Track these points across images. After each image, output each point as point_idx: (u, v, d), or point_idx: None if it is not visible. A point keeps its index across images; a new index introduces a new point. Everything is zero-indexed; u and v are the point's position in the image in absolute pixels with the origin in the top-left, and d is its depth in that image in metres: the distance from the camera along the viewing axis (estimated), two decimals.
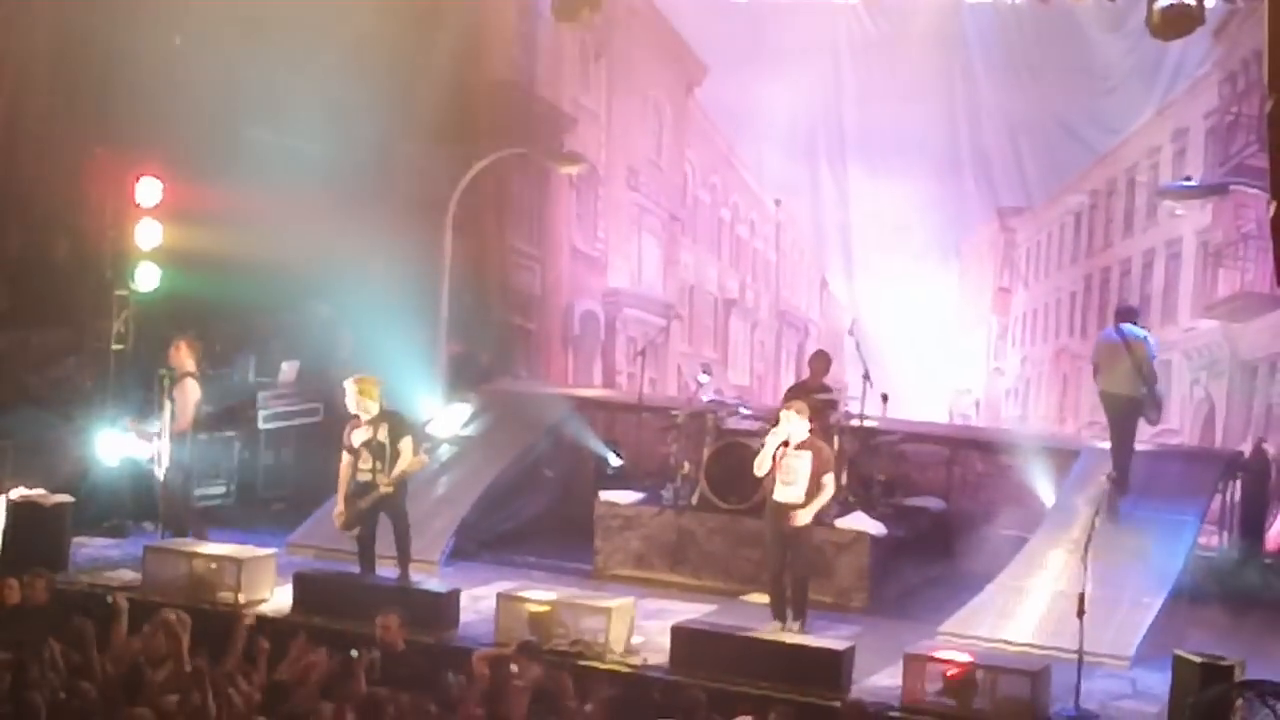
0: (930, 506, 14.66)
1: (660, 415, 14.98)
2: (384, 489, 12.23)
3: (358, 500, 12.30)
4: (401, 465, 12.29)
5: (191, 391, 13.58)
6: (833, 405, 14.03)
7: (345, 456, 12.36)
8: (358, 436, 12.29)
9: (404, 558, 12.49)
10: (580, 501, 14.85)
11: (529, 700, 9.19)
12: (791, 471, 11.87)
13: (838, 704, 10.21)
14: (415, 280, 16.53)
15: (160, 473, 13.56)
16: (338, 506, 12.42)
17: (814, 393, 14.02)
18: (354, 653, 9.54)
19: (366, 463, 12.25)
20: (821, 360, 14.58)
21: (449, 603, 11.93)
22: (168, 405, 13.38)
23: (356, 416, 12.34)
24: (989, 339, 17.33)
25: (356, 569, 12.64)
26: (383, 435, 12.25)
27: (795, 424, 11.88)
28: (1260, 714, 9.75)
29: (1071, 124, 16.58)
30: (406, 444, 12.33)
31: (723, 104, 17.91)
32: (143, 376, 14.74)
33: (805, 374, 14.89)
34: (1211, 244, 16.07)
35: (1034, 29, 16.21)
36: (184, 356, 13.70)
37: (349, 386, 12.35)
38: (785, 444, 11.89)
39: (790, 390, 14.52)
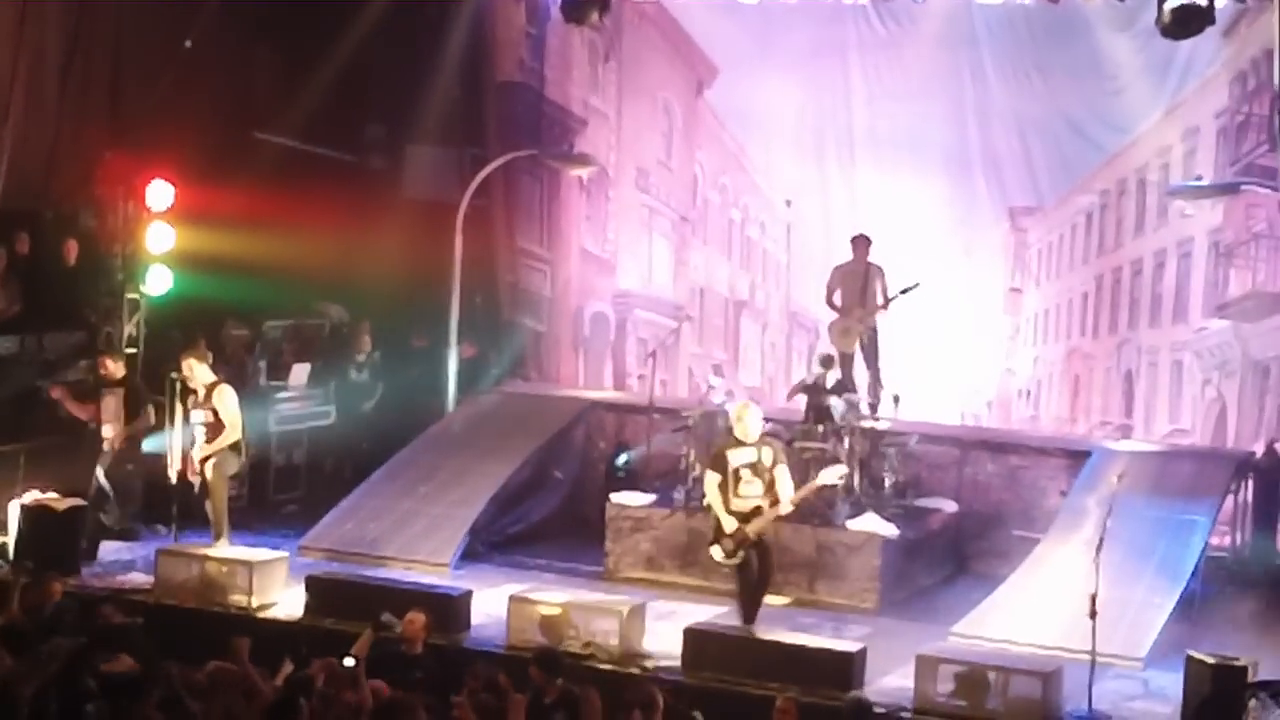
0: (942, 507, 14.62)
1: (671, 417, 14.95)
2: (785, 509, 11.39)
3: (744, 526, 11.36)
4: (788, 488, 11.38)
5: (231, 397, 13.05)
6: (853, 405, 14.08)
7: (715, 478, 11.44)
8: (737, 458, 11.42)
9: (763, 591, 11.60)
10: (591, 503, 14.85)
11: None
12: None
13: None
14: (425, 282, 16.54)
15: (212, 478, 13.06)
16: (726, 532, 11.36)
17: (826, 392, 14.05)
18: (350, 661, 9.47)
19: (751, 486, 11.38)
20: (828, 363, 14.58)
21: (462, 605, 11.89)
22: (202, 415, 13.01)
23: (731, 436, 11.54)
24: (1000, 339, 17.31)
25: (367, 571, 12.65)
26: (766, 458, 11.42)
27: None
28: (1273, 714, 9.72)
29: (1081, 124, 16.55)
30: (783, 470, 11.46)
31: (733, 105, 17.90)
32: (154, 380, 14.76)
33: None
34: (1222, 244, 16.05)
35: (1043, 28, 16.20)
36: (200, 368, 13.09)
37: (740, 411, 11.58)
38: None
39: (796, 388, 14.52)
